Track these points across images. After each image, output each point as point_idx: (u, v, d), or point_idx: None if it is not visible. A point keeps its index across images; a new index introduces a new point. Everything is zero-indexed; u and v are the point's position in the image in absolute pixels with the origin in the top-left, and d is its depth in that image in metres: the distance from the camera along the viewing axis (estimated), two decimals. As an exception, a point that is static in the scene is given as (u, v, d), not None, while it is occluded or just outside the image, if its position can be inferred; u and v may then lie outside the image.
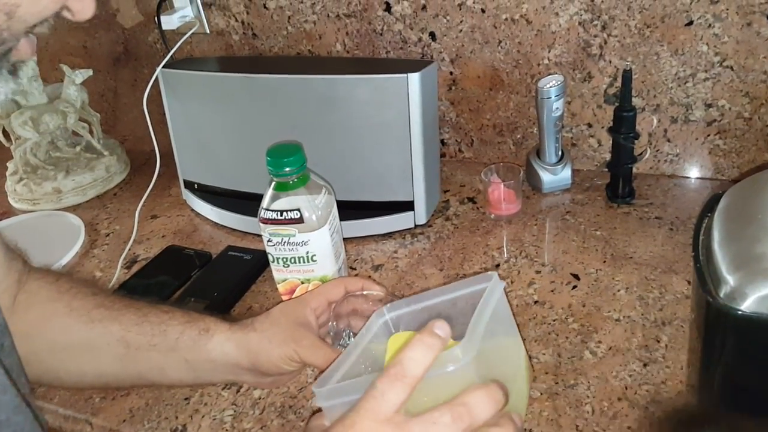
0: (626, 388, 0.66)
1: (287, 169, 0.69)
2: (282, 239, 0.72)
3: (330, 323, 0.66)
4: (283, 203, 0.71)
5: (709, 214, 0.52)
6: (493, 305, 0.48)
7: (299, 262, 0.74)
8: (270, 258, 0.75)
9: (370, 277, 0.87)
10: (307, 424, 0.53)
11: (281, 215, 0.71)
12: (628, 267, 0.82)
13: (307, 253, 0.73)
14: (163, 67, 1.01)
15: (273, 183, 0.71)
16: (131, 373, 0.64)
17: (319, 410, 0.51)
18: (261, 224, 0.72)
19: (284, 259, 0.74)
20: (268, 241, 0.73)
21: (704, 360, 0.49)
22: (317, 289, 0.68)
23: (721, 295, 0.45)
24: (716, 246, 0.47)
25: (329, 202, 0.74)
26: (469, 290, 0.53)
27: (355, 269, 0.89)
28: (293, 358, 0.61)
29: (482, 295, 0.49)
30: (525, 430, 0.62)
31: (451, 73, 1.04)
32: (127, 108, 1.34)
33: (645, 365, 0.68)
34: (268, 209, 0.71)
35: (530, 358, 0.70)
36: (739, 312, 0.43)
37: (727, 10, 0.84)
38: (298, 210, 0.70)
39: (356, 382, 0.45)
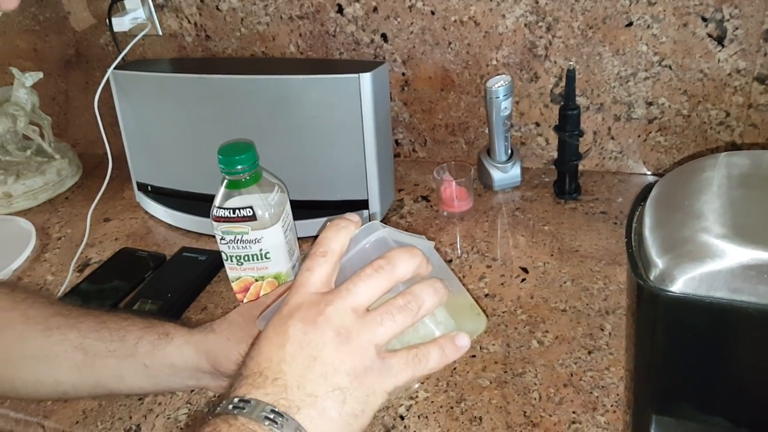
0: (572, 375, 0.68)
1: (239, 167, 0.69)
2: (235, 237, 0.72)
3: None
4: (235, 201, 0.71)
5: (642, 203, 0.55)
6: (406, 236, 0.52)
7: (253, 260, 0.74)
8: (224, 256, 0.75)
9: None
10: None
11: (234, 213, 0.71)
12: (574, 260, 0.85)
13: (261, 250, 0.73)
14: (115, 68, 1.00)
15: (225, 181, 0.71)
16: (89, 382, 0.63)
17: None
18: (213, 222, 0.73)
19: (238, 257, 0.74)
20: (221, 239, 0.73)
21: (638, 342, 0.51)
22: (275, 290, 0.68)
23: (652, 278, 0.47)
24: (647, 232, 0.50)
25: (282, 199, 0.75)
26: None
27: (310, 267, 0.90)
28: None
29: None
30: (474, 417, 0.64)
31: (403, 74, 1.05)
32: (78, 111, 1.32)
33: (590, 352, 0.70)
34: (220, 207, 0.72)
35: (481, 348, 0.72)
36: (669, 293, 0.46)
37: (665, 11, 0.88)
38: (251, 207, 0.71)
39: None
